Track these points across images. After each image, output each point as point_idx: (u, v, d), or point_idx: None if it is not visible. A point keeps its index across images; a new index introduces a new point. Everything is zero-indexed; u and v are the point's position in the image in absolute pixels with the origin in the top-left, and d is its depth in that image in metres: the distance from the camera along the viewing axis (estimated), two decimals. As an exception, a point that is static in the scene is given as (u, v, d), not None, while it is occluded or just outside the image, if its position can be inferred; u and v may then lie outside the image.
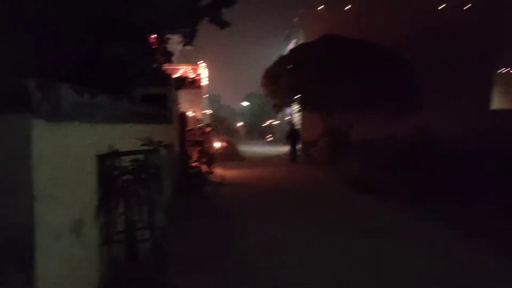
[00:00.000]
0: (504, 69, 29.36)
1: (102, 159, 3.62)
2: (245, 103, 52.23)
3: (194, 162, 11.72)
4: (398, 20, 23.41)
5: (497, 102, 26.90)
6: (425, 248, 5.56)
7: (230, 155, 19.49)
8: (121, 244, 3.84)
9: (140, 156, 3.85)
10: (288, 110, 26.44)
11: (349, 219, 7.35)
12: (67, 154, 2.97)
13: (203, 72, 25.04)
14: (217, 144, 19.99)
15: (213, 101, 46.98)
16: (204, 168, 11.87)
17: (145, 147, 4.06)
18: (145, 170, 3.78)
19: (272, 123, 42.01)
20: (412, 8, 25.20)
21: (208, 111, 30.64)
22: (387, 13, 24.37)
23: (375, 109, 17.87)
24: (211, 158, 13.58)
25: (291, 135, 18.25)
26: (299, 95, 18.90)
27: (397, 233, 6.34)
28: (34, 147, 2.43)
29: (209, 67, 26.53)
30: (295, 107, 20.79)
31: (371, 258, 5.20)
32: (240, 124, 48.28)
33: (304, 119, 23.86)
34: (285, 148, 25.96)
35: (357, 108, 17.95)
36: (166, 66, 9.64)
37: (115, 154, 3.82)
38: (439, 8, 25.26)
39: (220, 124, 33.03)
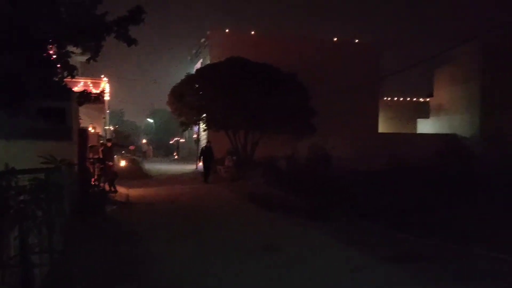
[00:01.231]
0: (387, 97, 33.28)
1: (-5, 178, 3.38)
2: (150, 120, 50.83)
3: (96, 180, 11.14)
4: (297, 48, 25.25)
5: (382, 126, 30.29)
6: (320, 261, 6.03)
7: (135, 173, 18.82)
8: (15, 269, 3.57)
9: (40, 175, 3.66)
10: (195, 128, 26.51)
11: (252, 236, 7.64)
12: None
13: (105, 87, 23.92)
14: (121, 162, 19.15)
15: (116, 117, 44.89)
16: (106, 187, 11.35)
17: (46, 165, 3.88)
18: (44, 190, 3.60)
19: (179, 141, 41.50)
20: (310, 38, 27.47)
21: (111, 127, 29.20)
22: (289, 40, 26.14)
23: (277, 129, 18.98)
24: (114, 176, 13.02)
25: (205, 153, 17.80)
26: (205, 114, 19.20)
27: (296, 247, 6.76)
28: None
29: (112, 81, 25.46)
30: (202, 125, 20.98)
31: (269, 273, 5.37)
32: (145, 141, 46.71)
33: (210, 137, 24.13)
34: (192, 166, 25.84)
35: (260, 128, 18.86)
36: (66, 79, 9.13)
37: (10, 172, 3.58)
38: (334, 40, 27.83)
39: (123, 140, 31.66)
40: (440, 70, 30.63)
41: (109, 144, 13.87)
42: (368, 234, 7.80)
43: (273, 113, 17.88)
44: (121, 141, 27.43)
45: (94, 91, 19.18)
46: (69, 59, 7.80)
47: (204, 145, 17.87)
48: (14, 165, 3.75)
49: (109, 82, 25.00)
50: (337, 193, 11.55)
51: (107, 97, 24.18)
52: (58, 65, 7.81)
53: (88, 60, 8.43)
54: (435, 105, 31.50)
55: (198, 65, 27.81)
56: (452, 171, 16.26)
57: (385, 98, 32.93)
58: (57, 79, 8.18)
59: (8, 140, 3.93)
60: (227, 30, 26.35)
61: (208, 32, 26.50)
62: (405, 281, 4.99)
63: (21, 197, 3.49)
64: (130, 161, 20.47)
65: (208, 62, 24.23)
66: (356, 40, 28.34)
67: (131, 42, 8.17)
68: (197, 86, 19.24)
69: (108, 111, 27.01)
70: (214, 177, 19.05)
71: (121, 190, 13.35)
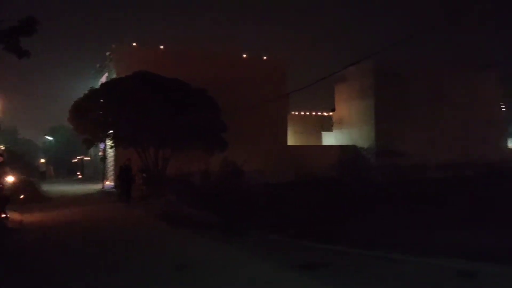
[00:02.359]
0: (295, 112, 34.99)
1: None
2: (49, 137, 46.72)
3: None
4: (207, 63, 25.38)
5: (291, 140, 31.70)
6: (233, 276, 6.04)
7: (31, 196, 17.04)
8: None
9: None
10: (101, 145, 25.01)
11: (163, 256, 7.37)
12: None
13: (-6, 102, 21.48)
14: (18, 187, 17.11)
15: (9, 135, 40.42)
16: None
17: None
18: None
19: (83, 159, 38.71)
20: (220, 54, 27.83)
21: (1, 146, 26.18)
22: (198, 56, 26.18)
23: (189, 145, 18.72)
24: (5, 200, 11.64)
25: (124, 173, 16.43)
26: (112, 131, 18.26)
27: (209, 265, 6.67)
28: None
29: (2, 96, 22.97)
30: (109, 142, 19.89)
31: None
32: (43, 160, 42.68)
33: (118, 155, 22.94)
34: (98, 186, 24.23)
35: (171, 144, 18.45)
36: None
37: None
38: (243, 56, 28.58)
39: (16, 160, 28.54)
40: (339, 86, 33.14)
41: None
42: (276, 245, 8.03)
43: (184, 129, 17.63)
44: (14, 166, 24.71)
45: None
46: None
47: (123, 163, 16.64)
48: None
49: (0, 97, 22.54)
50: (248, 207, 11.74)
51: (-4, 113, 21.77)
52: None
53: (-29, 72, 7.50)
54: (337, 119, 33.93)
55: (104, 80, 26.45)
56: (352, 181, 17.61)
57: (293, 113, 34.57)
58: None
59: None
60: (134, 44, 25.55)
61: (113, 46, 25.40)
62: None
63: None
64: (25, 182, 18.47)
65: (114, 76, 23.15)
66: (265, 57, 29.45)
67: (22, 54, 7.47)
68: (103, 101, 18.25)
69: (-3, 129, 24.25)
70: (122, 196, 18.09)
71: (14, 215, 11.98)
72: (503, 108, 38.85)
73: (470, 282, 5.08)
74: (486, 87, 34.80)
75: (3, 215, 11.02)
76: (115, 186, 21.15)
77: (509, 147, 41.19)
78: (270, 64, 28.94)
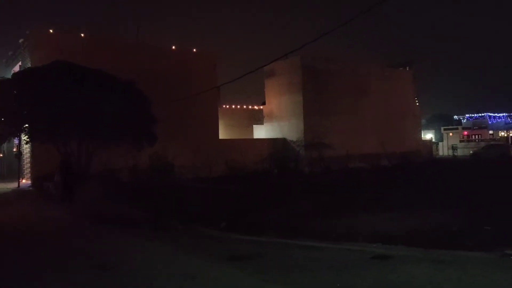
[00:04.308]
0: (226, 105, 35.04)
1: None
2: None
3: None
4: (134, 55, 24.40)
5: (222, 133, 31.71)
6: (159, 272, 5.90)
7: None
8: None
9: None
10: (15, 141, 22.98)
11: (83, 254, 7.01)
12: None
13: None
14: None
15: None
16: None
17: None
18: None
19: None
20: (148, 45, 26.91)
21: None
22: (124, 47, 25.08)
23: (115, 138, 17.86)
24: None
25: (62, 166, 15.12)
26: (27, 124, 16.87)
27: (134, 262, 6.46)
28: None
29: None
30: (24, 137, 18.36)
31: None
32: None
33: (35, 150, 21.27)
34: (13, 184, 22.29)
35: (96, 137, 17.47)
36: None
37: None
38: (172, 48, 27.91)
39: None
40: (269, 80, 33.77)
41: None
42: (206, 239, 8.02)
43: (110, 122, 16.78)
44: None
45: None
46: None
47: (63, 158, 15.34)
48: None
49: None
50: (178, 203, 11.56)
51: None
52: None
53: None
54: (267, 112, 34.58)
55: (17, 69, 24.28)
56: (281, 173, 18.09)
57: (224, 106, 34.57)
58: None
59: None
60: (51, 31, 23.71)
61: (27, 32, 23.37)
62: (242, 278, 5.29)
63: None
64: None
65: (28, 65, 21.32)
66: (194, 49, 29.02)
67: None
68: (15, 92, 16.77)
69: None
70: (42, 195, 16.86)
71: None
72: (417, 102, 42.58)
73: (382, 264, 5.49)
74: (403, 83, 38.05)
75: None
76: (37, 184, 19.60)
77: (423, 139, 45.18)
78: (200, 57, 28.64)
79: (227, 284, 5.11)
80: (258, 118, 35.66)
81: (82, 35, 24.52)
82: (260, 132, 34.84)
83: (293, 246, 6.79)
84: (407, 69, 42.01)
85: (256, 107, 37.05)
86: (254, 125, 35.37)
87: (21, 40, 23.93)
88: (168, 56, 26.74)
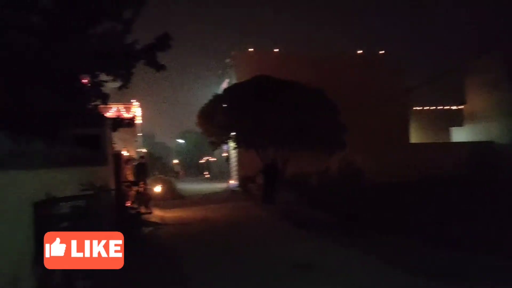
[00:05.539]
0: (418, 108, 32.50)
1: (39, 206, 3.54)
2: (180, 140, 51.77)
3: (131, 203, 11.42)
4: (322, 64, 25.24)
5: (414, 137, 29.56)
6: (350, 278, 5.92)
7: (168, 194, 19.14)
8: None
9: (81, 202, 3.82)
10: (225, 147, 26.76)
11: (284, 254, 7.58)
12: (2, 204, 2.92)
13: (136, 111, 24.70)
14: (155, 184, 19.49)
15: (148, 139, 46.05)
16: (141, 209, 11.59)
17: (86, 192, 4.04)
18: (85, 216, 3.75)
19: (209, 160, 41.99)
20: (334, 52, 27.46)
21: (143, 150, 29.94)
22: (313, 57, 26.20)
23: (307, 146, 18.79)
24: (148, 198, 13.31)
25: (268, 170, 16.36)
26: (234, 133, 19.35)
27: (329, 266, 6.65)
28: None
29: (142, 104, 26.29)
30: (231, 144, 21.18)
31: None
32: (176, 161, 47.56)
33: (240, 155, 24.28)
34: (223, 185, 26.02)
35: (290, 145, 18.75)
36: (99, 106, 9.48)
37: (52, 200, 3.75)
38: (358, 52, 27.72)
39: (155, 162, 32.36)
40: (470, 78, 29.77)
41: (142, 161, 14.43)
42: (403, 250, 7.58)
43: (302, 130, 17.78)
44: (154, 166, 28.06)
45: (126, 115, 19.85)
46: (101, 87, 8.13)
47: (268, 162, 16.83)
48: (56, 192, 3.93)
49: (140, 106, 25.85)
50: (368, 208, 11.31)
51: (138, 121, 24.95)
52: (91, 93, 8.16)
53: (120, 87, 8.75)
54: (468, 113, 30.52)
55: (225, 85, 28.26)
56: (486, 180, 15.62)
57: (415, 108, 32.17)
58: (91, 107, 8.53)
59: (49, 168, 4.13)
60: (251, 49, 26.73)
61: (232, 53, 26.99)
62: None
63: (63, 224, 3.64)
64: (164, 181, 20.85)
65: (234, 81, 24.59)
66: (381, 52, 28.06)
67: (159, 68, 8.45)
68: (225, 105, 19.49)
69: (139, 134, 27.79)
70: (247, 195, 19.04)
71: (156, 211, 13.59)
72: None
73: None
74: None
75: (148, 211, 12.61)
76: (241, 185, 22.30)
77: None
78: (387, 59, 27.48)
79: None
80: (456, 120, 31.77)
81: (275, 50, 26.81)
82: (460, 134, 30.94)
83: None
84: None
85: (453, 107, 33.12)
86: (452, 128, 31.69)
87: (227, 60, 27.81)
88: (354, 62, 26.64)
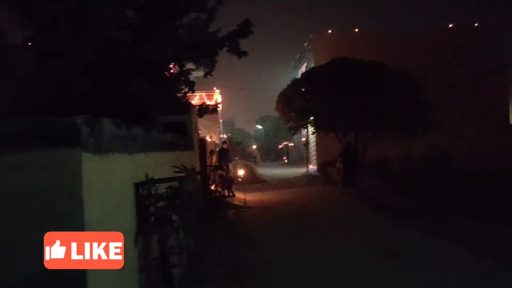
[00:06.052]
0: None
1: (138, 187, 3.84)
2: (259, 126, 52.60)
3: (215, 186, 11.95)
4: (405, 41, 23.72)
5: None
6: (440, 269, 5.59)
7: (249, 178, 19.67)
8: (157, 270, 4.00)
9: (174, 183, 4.07)
10: (303, 132, 26.65)
11: (367, 240, 7.41)
12: (109, 184, 3.21)
13: (218, 98, 25.61)
14: (238, 169, 20.17)
15: (228, 125, 47.52)
16: (225, 192, 12.08)
17: (178, 174, 4.29)
18: (178, 197, 3.98)
19: (288, 145, 42.18)
20: (419, 29, 25.57)
21: (224, 135, 31.04)
22: (395, 36, 24.73)
23: (389, 128, 17.88)
24: (231, 182, 13.80)
25: (346, 154, 16.36)
26: (312, 117, 19.12)
27: (415, 254, 6.35)
28: (84, 179, 2.64)
29: (222, 91, 27.17)
30: (310, 128, 20.99)
31: (389, 280, 5.26)
32: (254, 147, 48.56)
33: (319, 140, 24.02)
34: (302, 169, 26.01)
35: (371, 128, 18.01)
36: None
37: (150, 181, 4.04)
38: (450, 26, 25.55)
39: (235, 147, 33.39)
40: None
41: (224, 146, 14.99)
42: (499, 241, 6.97)
43: (382, 112, 16.96)
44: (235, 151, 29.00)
45: (208, 102, 20.67)
46: (188, 76, 8.51)
47: (346, 145, 16.79)
48: (151, 175, 4.24)
49: (220, 93, 26.75)
50: (458, 197, 10.54)
51: (220, 107, 25.87)
52: (179, 82, 8.59)
53: (205, 75, 9.09)
54: None
55: (303, 69, 27.96)
56: None
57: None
58: (179, 95, 8.99)
59: (146, 153, 4.45)
60: (329, 31, 26.05)
61: (311, 36, 26.55)
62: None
63: (160, 204, 3.91)
64: (245, 166, 21.46)
65: (312, 65, 24.20)
66: (476, 24, 25.54)
67: (241, 54, 8.58)
68: (303, 90, 19.31)
69: (221, 120, 28.83)
70: (327, 179, 18.85)
71: (238, 194, 14.07)
72: None
73: None
74: None
75: (231, 194, 13.10)
76: (320, 170, 22.11)
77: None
78: (480, 32, 24.95)
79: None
80: None
81: (356, 30, 25.79)
82: None
83: None
84: None
85: None
86: None
87: (305, 44, 27.44)
88: (443, 37, 24.62)
